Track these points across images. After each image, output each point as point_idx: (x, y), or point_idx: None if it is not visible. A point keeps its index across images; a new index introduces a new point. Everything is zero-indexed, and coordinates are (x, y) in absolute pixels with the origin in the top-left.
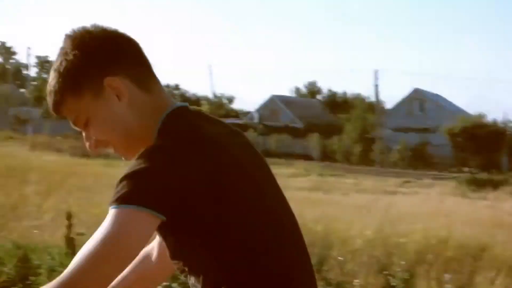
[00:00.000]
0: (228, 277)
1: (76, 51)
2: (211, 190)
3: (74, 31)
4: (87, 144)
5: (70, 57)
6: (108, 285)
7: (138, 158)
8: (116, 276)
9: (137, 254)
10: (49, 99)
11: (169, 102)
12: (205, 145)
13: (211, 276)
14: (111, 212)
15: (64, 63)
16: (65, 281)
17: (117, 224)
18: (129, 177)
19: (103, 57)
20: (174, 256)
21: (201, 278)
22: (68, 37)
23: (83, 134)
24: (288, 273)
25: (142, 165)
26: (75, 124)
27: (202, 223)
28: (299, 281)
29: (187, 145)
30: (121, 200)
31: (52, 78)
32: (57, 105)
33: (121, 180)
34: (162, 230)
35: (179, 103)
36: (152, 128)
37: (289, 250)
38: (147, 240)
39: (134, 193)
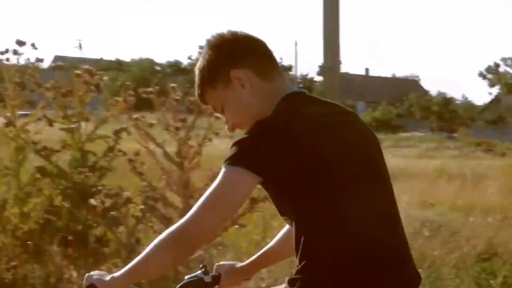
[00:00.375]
0: (312, 245)
1: (210, 52)
2: (299, 159)
3: (212, 36)
4: (226, 126)
5: (206, 57)
6: (213, 232)
7: (248, 130)
8: (222, 224)
9: (238, 206)
10: (195, 92)
11: (286, 88)
12: (302, 121)
13: (300, 234)
14: (222, 171)
15: (202, 62)
16: (180, 226)
17: (223, 181)
18: (237, 144)
19: (230, 54)
20: (280, 212)
21: (294, 232)
22: (206, 41)
23: (225, 118)
24: (368, 241)
25: (248, 135)
26: (215, 111)
27: (291, 186)
28: (380, 251)
29: (286, 121)
30: (228, 161)
31: (196, 75)
32: (200, 96)
33: (232, 146)
34: (265, 189)
35: (294, 89)
36: (270, 110)
37: (375, 222)
38: (245, 195)
39: (238, 156)
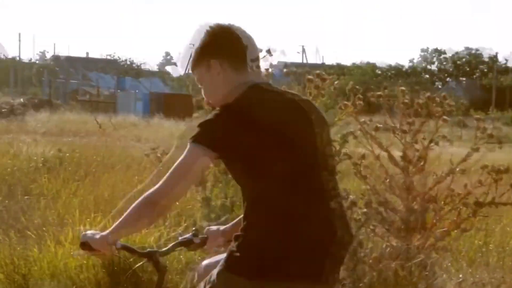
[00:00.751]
0: (253, 208)
1: (205, 38)
2: (247, 139)
3: (213, 25)
4: (204, 99)
5: (201, 41)
6: (179, 198)
7: (212, 113)
8: (185, 191)
9: (198, 176)
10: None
11: (251, 80)
12: (256, 108)
13: (244, 200)
14: (187, 146)
15: (196, 45)
16: (153, 192)
17: (186, 156)
18: (201, 124)
19: (216, 46)
20: (236, 182)
21: (242, 199)
22: (208, 26)
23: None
24: (299, 214)
25: (210, 118)
26: (198, 83)
27: (239, 161)
28: (312, 225)
29: (242, 107)
30: (192, 139)
31: (193, 52)
32: (192, 69)
33: (197, 126)
34: (223, 162)
35: (257, 82)
36: (234, 96)
37: (308, 195)
38: (204, 168)
39: (199, 135)
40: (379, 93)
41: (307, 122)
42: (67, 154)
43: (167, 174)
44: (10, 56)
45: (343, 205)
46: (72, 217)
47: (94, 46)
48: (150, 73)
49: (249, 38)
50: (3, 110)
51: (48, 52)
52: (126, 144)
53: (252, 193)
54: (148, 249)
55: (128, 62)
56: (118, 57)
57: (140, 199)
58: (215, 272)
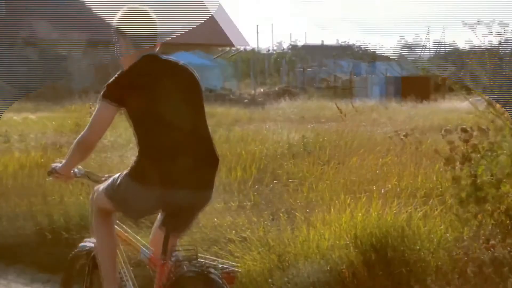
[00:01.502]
0: (139, 142)
1: (119, 16)
2: (137, 99)
3: (127, 7)
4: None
5: (116, 18)
6: (98, 139)
7: (114, 76)
8: (101, 134)
9: (107, 125)
10: None
11: (146, 52)
12: (141, 73)
13: (136, 139)
14: (99, 102)
15: (114, 19)
16: (80, 136)
17: (98, 108)
18: (106, 85)
19: (123, 23)
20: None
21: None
22: (123, 9)
23: None
24: (172, 164)
25: (112, 80)
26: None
27: (129, 110)
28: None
29: (132, 73)
30: (101, 95)
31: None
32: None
33: (105, 86)
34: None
35: (150, 53)
36: (131, 64)
37: (177, 131)
38: (110, 118)
39: (104, 93)
40: None
41: (181, 82)
42: (311, 140)
43: (88, 123)
44: (249, 48)
45: (210, 136)
46: (321, 200)
47: (329, 33)
48: (385, 57)
49: (153, 19)
50: (245, 101)
51: (285, 42)
52: (366, 128)
53: (137, 133)
54: (107, 174)
55: (363, 47)
56: (353, 43)
57: (74, 141)
58: (123, 173)
